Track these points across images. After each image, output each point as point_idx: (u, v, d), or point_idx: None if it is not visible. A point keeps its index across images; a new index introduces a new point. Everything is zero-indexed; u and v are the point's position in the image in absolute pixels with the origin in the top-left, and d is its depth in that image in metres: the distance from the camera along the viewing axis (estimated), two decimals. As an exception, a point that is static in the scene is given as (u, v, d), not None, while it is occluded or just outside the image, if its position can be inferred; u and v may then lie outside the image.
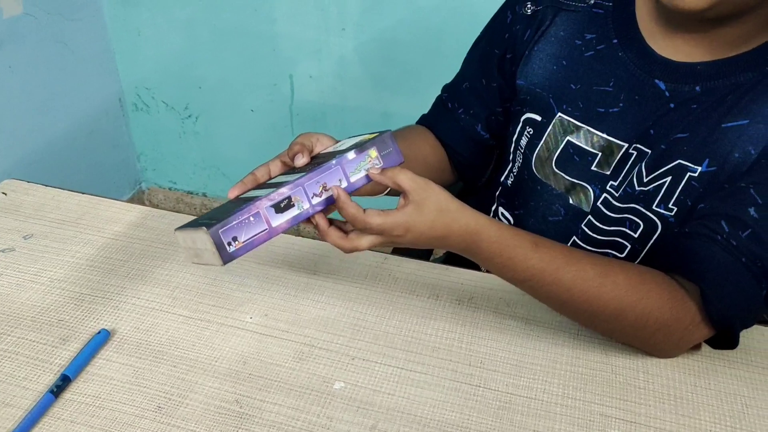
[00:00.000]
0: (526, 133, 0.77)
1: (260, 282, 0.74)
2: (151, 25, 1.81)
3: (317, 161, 0.62)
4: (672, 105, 0.67)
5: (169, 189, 2.09)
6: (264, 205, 0.56)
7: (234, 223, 0.54)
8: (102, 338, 0.66)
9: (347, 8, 1.61)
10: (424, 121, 0.86)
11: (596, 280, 0.62)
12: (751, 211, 0.61)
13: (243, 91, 1.83)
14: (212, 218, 0.56)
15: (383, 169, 0.61)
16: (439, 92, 0.89)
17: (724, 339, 0.65)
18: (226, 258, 0.54)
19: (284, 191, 0.57)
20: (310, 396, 0.62)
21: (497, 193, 0.84)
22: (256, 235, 0.56)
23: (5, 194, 0.86)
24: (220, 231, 0.54)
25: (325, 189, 0.59)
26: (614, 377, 0.65)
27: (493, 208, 0.85)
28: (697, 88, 0.66)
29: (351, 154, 0.60)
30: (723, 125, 0.65)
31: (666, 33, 0.68)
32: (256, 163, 0.66)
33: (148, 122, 1.98)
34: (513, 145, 0.79)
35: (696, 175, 0.66)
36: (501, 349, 0.67)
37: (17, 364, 0.64)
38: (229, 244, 0.54)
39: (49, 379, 0.63)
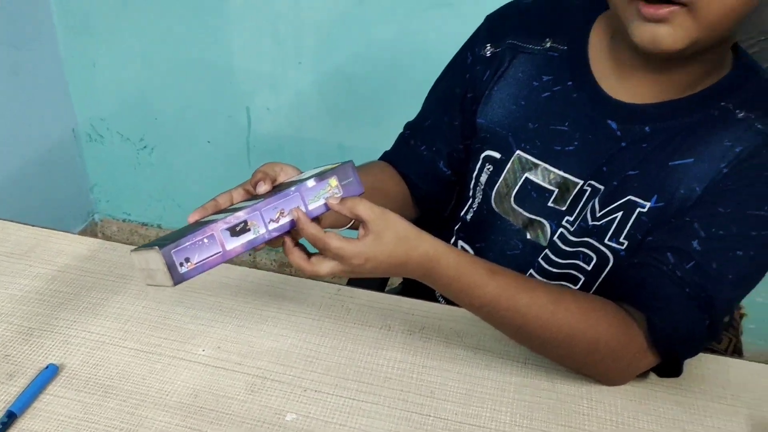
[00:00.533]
0: (485, 169, 0.80)
1: (214, 314, 0.75)
2: (107, 56, 1.81)
3: (278, 189, 0.63)
4: (623, 144, 0.71)
5: (123, 220, 2.06)
6: (219, 228, 0.57)
7: (187, 244, 0.55)
8: (50, 373, 0.65)
9: (304, 42, 1.64)
10: (386, 157, 0.88)
11: (549, 306, 0.64)
12: (695, 244, 0.65)
13: (199, 122, 1.84)
14: (167, 239, 0.56)
15: (342, 199, 0.62)
16: (395, 125, 0.92)
17: (669, 367, 0.68)
18: (177, 278, 0.55)
19: (241, 215, 0.58)
20: (262, 428, 0.62)
21: (457, 227, 0.86)
22: (209, 257, 0.56)
23: (-48, 227, 0.85)
24: (172, 251, 0.54)
25: (282, 215, 0.60)
26: (560, 404, 0.67)
27: (452, 241, 0.87)
28: (647, 128, 0.70)
29: (311, 182, 0.61)
30: (670, 163, 0.68)
31: (618, 75, 0.71)
32: (212, 195, 0.67)
33: (103, 153, 1.96)
34: (473, 181, 0.82)
35: (645, 210, 0.70)
36: (451, 378, 0.69)
37: (-40, 401, 0.63)
38: (181, 264, 0.55)
39: (-6, 416, 0.61)
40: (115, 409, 0.63)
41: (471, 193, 0.82)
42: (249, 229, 0.58)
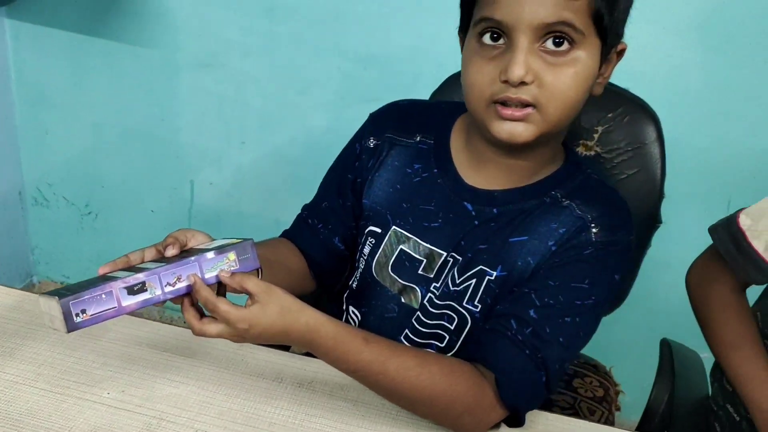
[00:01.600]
0: (368, 242, 0.92)
1: (123, 362, 0.82)
2: (60, 125, 1.91)
3: (184, 255, 0.72)
4: (476, 222, 0.84)
5: (61, 283, 2.10)
6: (118, 286, 0.66)
7: (86, 297, 0.64)
8: (-38, 407, 0.72)
9: (247, 123, 1.77)
10: (287, 234, 0.98)
11: (415, 369, 0.74)
12: (531, 312, 0.77)
13: (145, 192, 1.93)
14: (70, 290, 0.65)
15: (233, 273, 0.70)
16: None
17: (515, 419, 0.78)
18: (71, 327, 0.63)
19: (140, 276, 0.67)
20: (152, 463, 0.70)
21: (345, 295, 0.97)
22: (104, 310, 0.65)
23: None
24: (70, 302, 0.63)
25: (179, 280, 0.69)
26: (423, 452, 0.76)
27: (345, 307, 0.98)
28: (495, 210, 0.84)
29: (210, 254, 0.70)
30: (510, 240, 0.82)
31: (474, 166, 0.86)
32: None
33: (47, 217, 2.03)
34: (358, 253, 0.94)
35: (493, 278, 0.83)
36: (329, 426, 0.77)
37: None
38: (77, 315, 0.63)
39: None
40: (19, 442, 0.70)
41: (357, 264, 0.94)
42: (146, 290, 0.67)
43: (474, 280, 0.84)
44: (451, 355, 0.87)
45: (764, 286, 0.99)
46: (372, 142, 0.92)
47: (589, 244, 0.80)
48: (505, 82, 0.72)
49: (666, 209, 1.10)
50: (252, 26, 1.66)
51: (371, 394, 0.81)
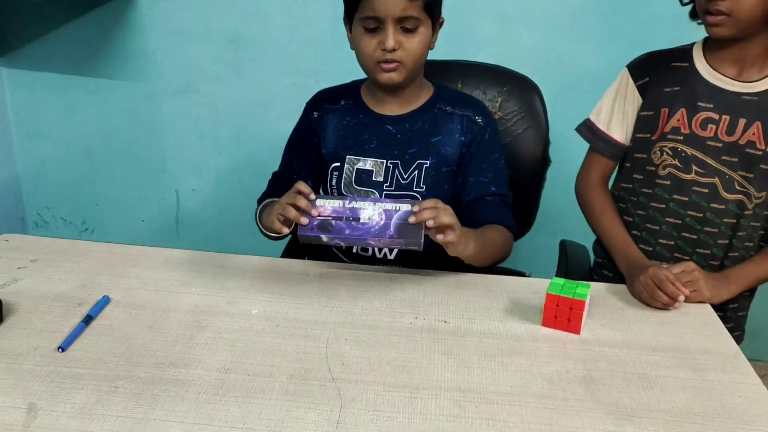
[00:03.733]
0: (334, 175, 1.35)
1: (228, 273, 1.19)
2: (55, 154, 2.22)
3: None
4: (399, 136, 1.32)
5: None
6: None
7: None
8: None
9: (221, 136, 2.15)
10: (268, 196, 1.34)
11: (494, 236, 1.25)
12: (492, 188, 1.31)
13: (135, 204, 2.26)
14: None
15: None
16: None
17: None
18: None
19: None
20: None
21: None
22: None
23: None
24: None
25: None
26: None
27: None
28: (406, 125, 1.32)
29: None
30: (432, 140, 1.31)
31: (381, 105, 1.33)
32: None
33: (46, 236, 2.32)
34: (329, 189, 1.37)
35: (428, 165, 1.31)
36: (338, 299, 1.16)
37: None
38: None
39: None
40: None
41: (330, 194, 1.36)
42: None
43: (416, 171, 1.31)
44: None
45: (615, 175, 1.46)
46: (315, 114, 1.38)
47: (483, 130, 1.32)
48: (384, 50, 1.20)
49: (552, 151, 1.56)
50: (220, 55, 2.05)
51: (347, 286, 1.21)
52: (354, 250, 1.37)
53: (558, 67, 1.96)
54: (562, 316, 1.06)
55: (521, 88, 1.57)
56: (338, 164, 1.34)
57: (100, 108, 2.15)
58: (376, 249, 1.35)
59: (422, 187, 1.31)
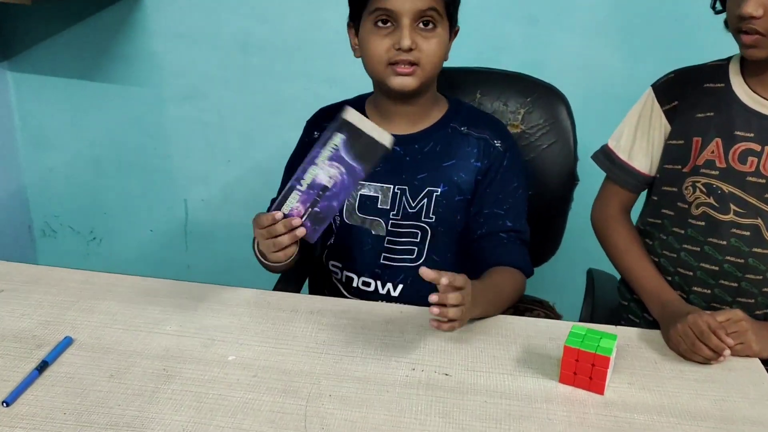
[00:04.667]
0: None
1: (174, 308, 1.08)
2: (62, 162, 2.14)
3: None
4: (408, 158, 1.17)
5: (71, 306, 2.31)
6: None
7: None
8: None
9: (230, 144, 2.04)
10: None
11: (505, 288, 1.10)
12: (507, 222, 1.17)
13: (143, 214, 2.17)
14: None
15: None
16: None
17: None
18: None
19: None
20: (213, 366, 0.95)
21: (325, 254, 1.26)
22: None
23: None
24: None
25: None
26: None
27: (325, 265, 1.27)
28: (416, 146, 1.17)
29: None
30: (443, 165, 1.16)
31: (387, 122, 1.15)
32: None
33: (55, 246, 2.25)
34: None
35: (439, 193, 1.16)
36: (337, 338, 1.03)
37: None
38: None
39: None
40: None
41: (332, 224, 1.22)
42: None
43: (426, 200, 1.16)
44: (421, 263, 1.19)
45: (642, 206, 1.29)
46: (316, 134, 1.24)
47: (502, 156, 1.17)
48: (399, 49, 1.06)
49: (580, 169, 1.41)
50: (229, 61, 1.94)
51: (362, 317, 1.08)
52: (354, 284, 1.23)
53: (587, 75, 1.78)
54: (583, 373, 0.91)
55: (547, 98, 1.42)
56: None
57: (106, 114, 2.06)
58: (379, 284, 1.22)
59: (432, 218, 1.17)
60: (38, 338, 0.99)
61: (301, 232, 0.97)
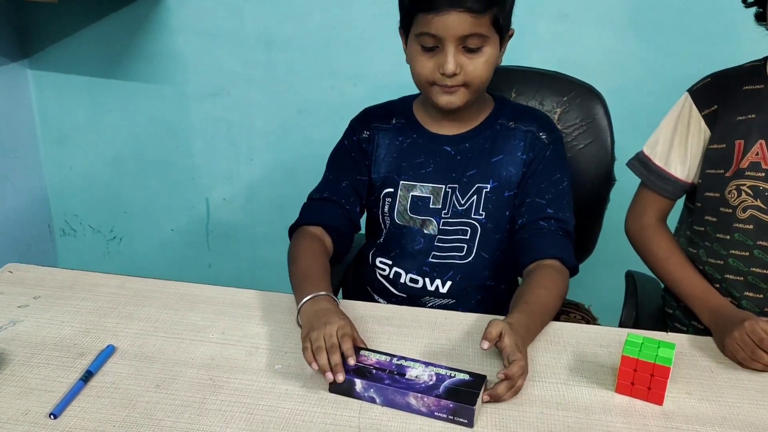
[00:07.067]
0: (386, 202, 1.20)
1: (215, 315, 1.05)
2: (82, 161, 2.12)
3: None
4: (458, 157, 1.16)
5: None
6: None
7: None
8: None
9: (254, 143, 2.02)
10: (306, 221, 1.18)
11: (548, 296, 1.05)
12: (548, 210, 1.14)
13: (164, 213, 2.15)
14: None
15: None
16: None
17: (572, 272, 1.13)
18: None
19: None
20: (259, 375, 0.93)
21: (372, 252, 1.25)
22: None
23: None
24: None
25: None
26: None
27: (371, 263, 1.25)
28: (467, 144, 1.16)
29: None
30: (492, 160, 1.16)
31: (437, 124, 1.18)
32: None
33: (75, 245, 2.23)
34: (380, 216, 1.21)
35: (488, 189, 1.15)
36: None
37: None
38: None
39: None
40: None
41: (383, 223, 1.21)
42: None
43: (475, 197, 1.16)
44: (471, 259, 1.18)
45: (679, 218, 1.26)
46: (365, 134, 1.21)
47: (546, 147, 1.16)
48: (443, 74, 1.05)
49: (618, 169, 1.38)
50: (253, 58, 1.91)
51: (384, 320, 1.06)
52: (402, 280, 1.22)
53: (625, 73, 1.75)
54: (641, 383, 0.89)
55: (583, 97, 1.39)
56: (391, 190, 1.20)
57: (127, 112, 2.04)
58: (428, 280, 1.20)
59: (481, 214, 1.16)
60: (79, 346, 0.97)
61: (339, 378, 0.88)
